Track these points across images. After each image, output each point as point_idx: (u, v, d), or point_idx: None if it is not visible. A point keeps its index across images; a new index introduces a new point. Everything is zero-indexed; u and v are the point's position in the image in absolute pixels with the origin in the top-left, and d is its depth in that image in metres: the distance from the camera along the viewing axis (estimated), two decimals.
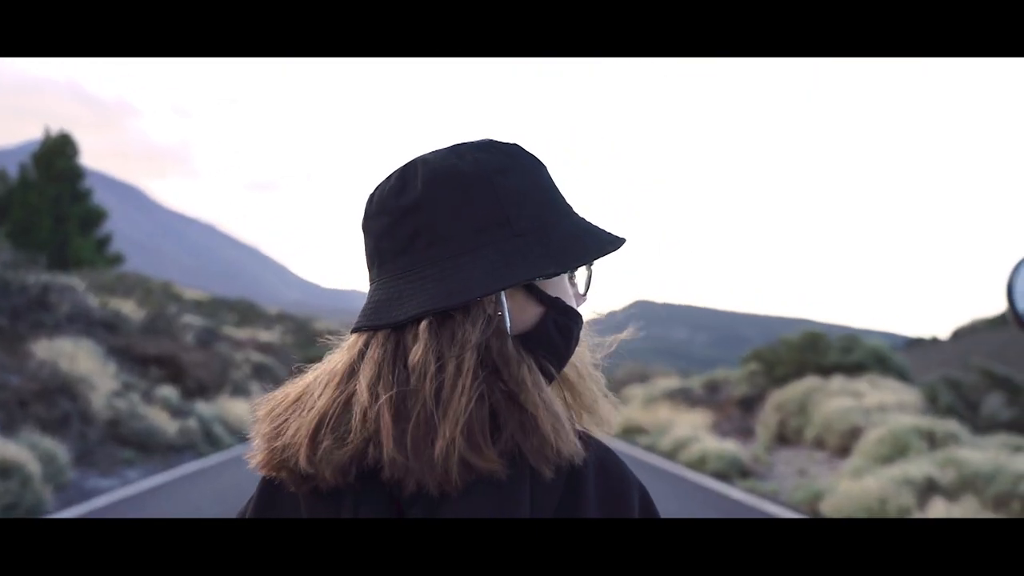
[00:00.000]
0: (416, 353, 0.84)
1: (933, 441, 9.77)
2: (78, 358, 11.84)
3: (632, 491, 0.90)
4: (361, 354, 0.88)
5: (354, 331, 0.91)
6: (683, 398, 19.20)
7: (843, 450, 12.06)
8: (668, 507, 8.85)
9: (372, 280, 0.92)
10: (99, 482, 9.62)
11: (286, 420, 0.89)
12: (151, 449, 12.06)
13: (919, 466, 7.81)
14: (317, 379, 0.91)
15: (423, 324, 0.85)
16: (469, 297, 0.84)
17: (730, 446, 12.08)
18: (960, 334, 37.65)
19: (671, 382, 23.68)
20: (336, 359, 0.92)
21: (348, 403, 0.86)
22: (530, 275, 0.85)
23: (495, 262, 0.86)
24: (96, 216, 36.43)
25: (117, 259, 37.76)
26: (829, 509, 7.75)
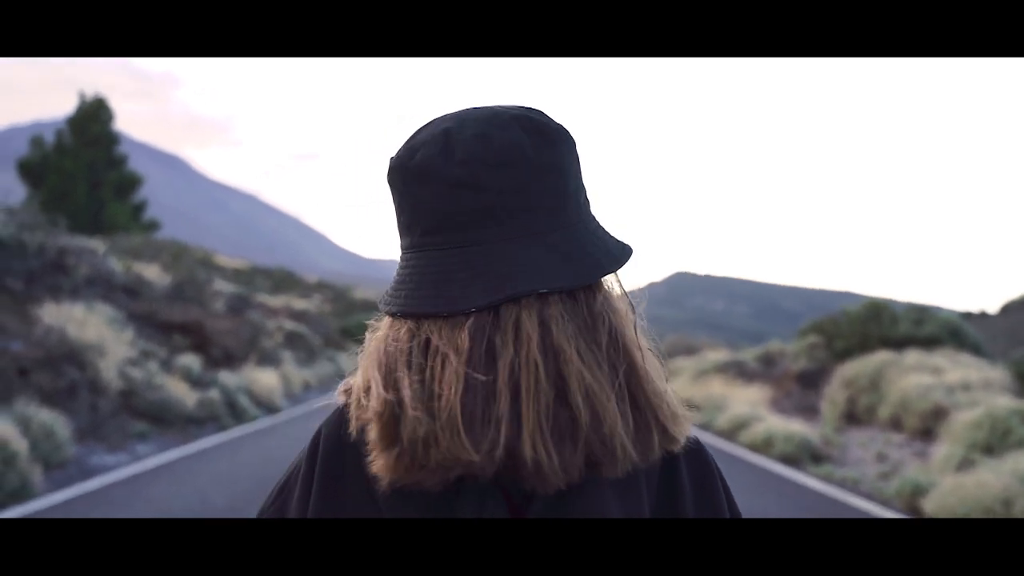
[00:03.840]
0: (557, 336, 0.79)
1: None
2: (88, 324, 10.99)
3: (714, 469, 0.92)
4: (481, 331, 0.79)
5: (480, 307, 0.79)
6: (736, 372, 17.99)
7: (924, 432, 10.84)
8: (740, 498, 7.70)
9: (435, 245, 0.82)
10: (104, 459, 8.78)
11: (414, 414, 0.78)
12: (167, 422, 11.24)
13: None
14: (423, 358, 0.80)
15: (558, 303, 0.80)
16: (599, 277, 0.83)
17: (798, 427, 10.90)
18: (1010, 308, 36.00)
19: (720, 355, 22.49)
20: (436, 333, 0.81)
21: (488, 393, 0.78)
22: (614, 268, 0.84)
23: (590, 243, 0.84)
24: (132, 182, 36.01)
25: (153, 225, 37.37)
26: (934, 507, 6.57)
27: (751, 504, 7.23)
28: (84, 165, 33.14)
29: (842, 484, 8.53)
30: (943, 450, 8.62)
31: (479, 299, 0.79)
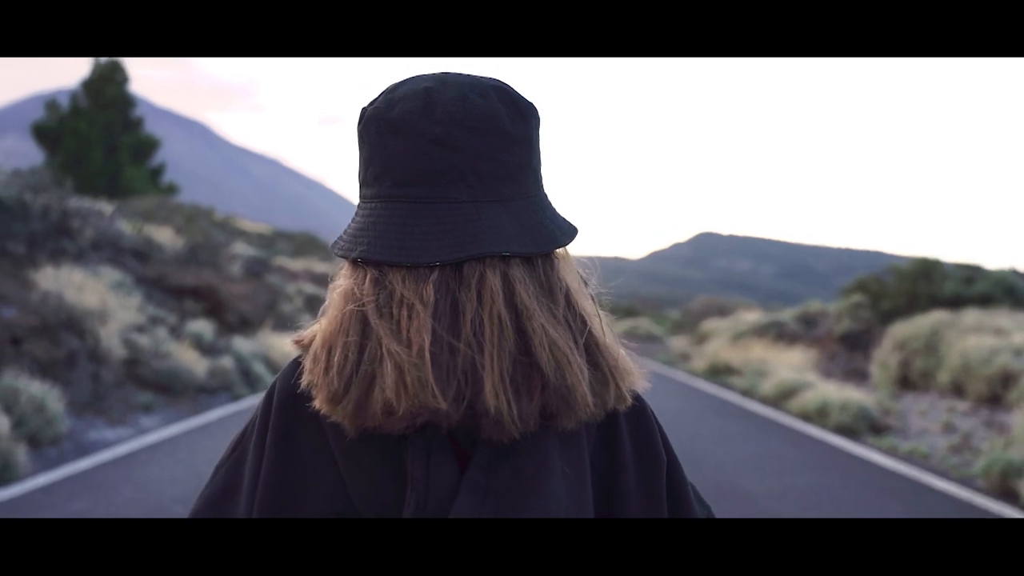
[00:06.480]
0: (521, 294, 0.82)
1: None
2: (88, 289, 10.31)
3: (653, 423, 0.95)
4: (445, 286, 0.81)
5: (445, 262, 0.81)
6: (775, 334, 17.09)
7: (992, 399, 9.95)
8: (801, 477, 7.02)
9: (403, 198, 0.84)
10: (104, 433, 8.12)
11: (388, 363, 0.80)
12: (176, 392, 10.59)
13: None
14: (389, 308, 0.82)
15: (519, 266, 0.83)
16: (556, 247, 0.86)
17: (854, 394, 10.04)
18: None
19: (755, 316, 21.59)
20: (401, 283, 0.82)
21: (454, 345, 0.80)
22: (567, 241, 0.88)
23: (545, 216, 0.88)
24: (149, 145, 35.39)
25: (172, 189, 36.75)
26: None
27: (812, 482, 6.42)
28: (99, 128, 32.53)
29: (909, 459, 7.68)
30: (1022, 420, 7.75)
31: (445, 254, 0.80)
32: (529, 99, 0.89)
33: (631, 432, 0.92)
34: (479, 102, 0.84)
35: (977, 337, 11.30)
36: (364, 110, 0.87)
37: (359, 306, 0.82)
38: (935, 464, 7.49)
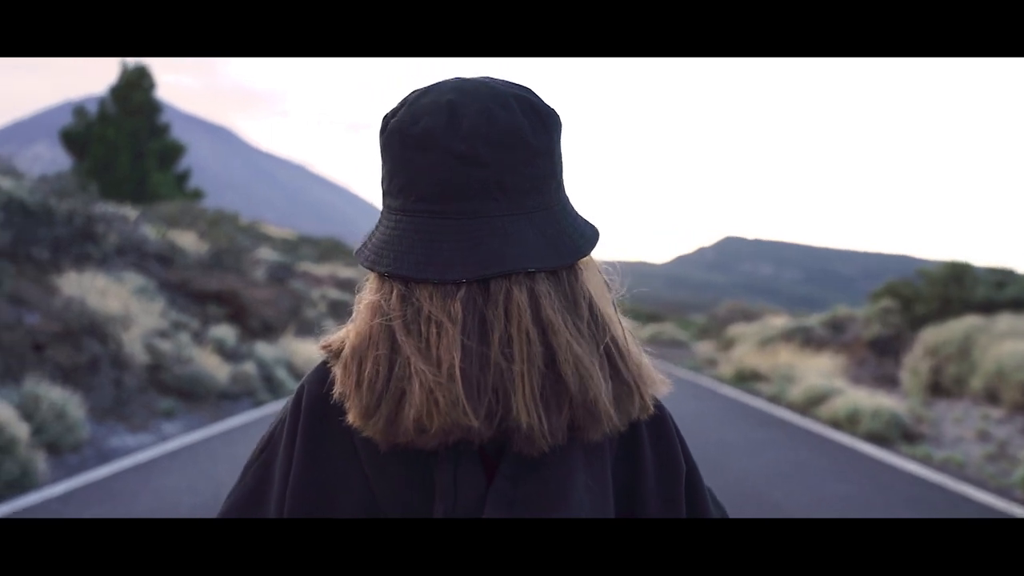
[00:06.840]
0: (546, 310, 0.82)
1: None
2: (111, 294, 10.31)
3: (672, 429, 0.96)
4: (472, 302, 0.82)
5: (471, 278, 0.81)
6: (803, 339, 16.82)
7: None
8: (831, 486, 6.83)
9: (428, 213, 0.84)
10: (126, 440, 8.09)
11: (418, 380, 0.80)
12: (198, 398, 10.56)
13: None
14: (418, 325, 0.82)
15: (544, 280, 0.83)
16: (579, 259, 0.86)
17: (885, 400, 9.81)
18: None
19: (781, 321, 21.31)
20: (428, 300, 0.83)
21: (484, 362, 0.81)
22: (589, 250, 0.88)
23: (569, 225, 0.88)
24: (175, 150, 35.66)
25: (197, 194, 37.01)
26: None
27: (842, 492, 6.24)
28: (127, 134, 32.83)
29: (944, 468, 7.46)
30: None
31: (471, 271, 0.81)
32: (551, 106, 0.89)
33: (652, 441, 0.93)
34: (502, 115, 0.84)
35: (1012, 343, 11.02)
36: (386, 120, 0.87)
37: (387, 320, 0.83)
38: (971, 474, 7.27)
